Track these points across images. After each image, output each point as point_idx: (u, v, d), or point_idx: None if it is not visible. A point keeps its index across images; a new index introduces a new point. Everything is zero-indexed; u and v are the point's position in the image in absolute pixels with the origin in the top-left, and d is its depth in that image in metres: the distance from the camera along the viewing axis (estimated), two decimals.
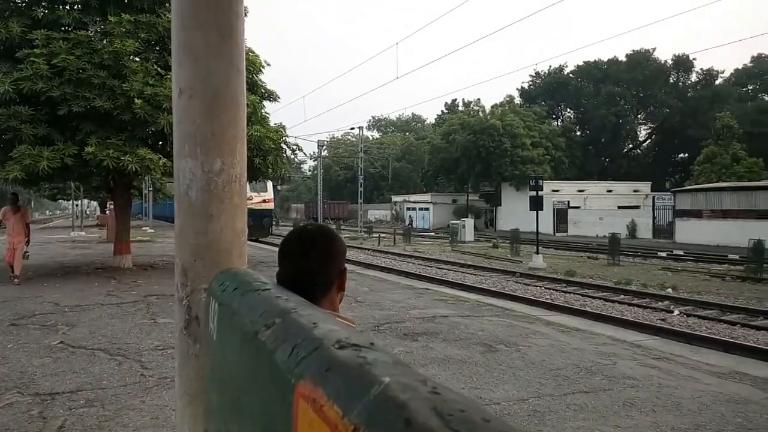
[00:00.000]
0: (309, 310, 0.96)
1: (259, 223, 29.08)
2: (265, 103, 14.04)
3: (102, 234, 28.04)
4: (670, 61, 55.84)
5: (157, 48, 11.95)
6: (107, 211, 36.86)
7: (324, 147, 51.39)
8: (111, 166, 10.50)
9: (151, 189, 37.23)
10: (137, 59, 11.20)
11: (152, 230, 32.93)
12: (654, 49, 56.00)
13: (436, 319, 7.65)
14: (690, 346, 6.36)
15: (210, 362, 1.51)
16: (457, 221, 35.32)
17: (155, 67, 11.14)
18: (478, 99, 65.80)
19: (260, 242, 28.26)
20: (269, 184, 30.72)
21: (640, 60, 55.16)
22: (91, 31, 11.30)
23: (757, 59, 55.99)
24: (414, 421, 0.50)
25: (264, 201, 30.17)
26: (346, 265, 1.57)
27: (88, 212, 59.44)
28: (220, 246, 1.75)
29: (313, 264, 1.47)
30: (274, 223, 36.86)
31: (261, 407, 0.91)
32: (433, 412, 0.51)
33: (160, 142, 11.90)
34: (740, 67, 56.95)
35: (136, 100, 10.43)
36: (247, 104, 11.96)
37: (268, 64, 13.72)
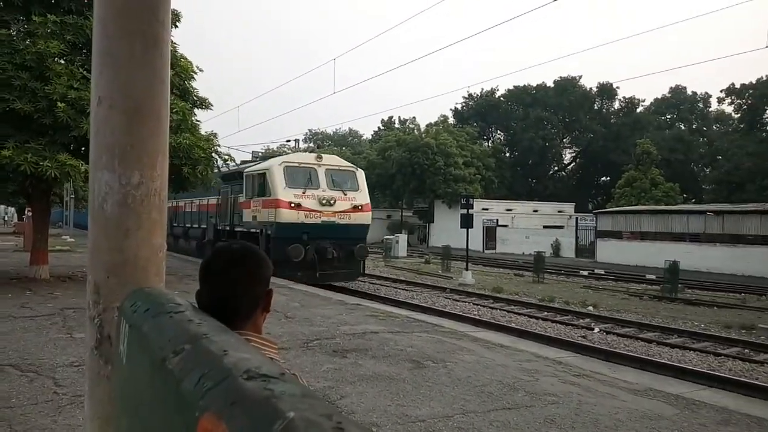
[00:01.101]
0: (222, 335, 0.93)
1: (348, 250, 15.78)
2: (198, 111, 13.70)
3: (19, 242, 26.48)
4: (595, 89, 58.67)
5: (84, 51, 11.47)
6: (25, 219, 34.82)
7: (258, 158, 50.61)
8: (29, 171, 9.95)
9: (72, 196, 35.50)
10: (62, 61, 10.72)
11: (72, 239, 31.31)
12: (580, 77, 58.71)
13: (366, 336, 7.63)
14: (609, 363, 6.61)
15: (120, 385, 1.43)
16: (391, 237, 35.50)
17: (81, 70, 10.68)
18: (414, 117, 66.77)
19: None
20: (361, 176, 17.32)
21: (567, 86, 57.69)
22: (13, 31, 10.75)
23: (675, 90, 59.73)
24: None
25: (356, 209, 16.03)
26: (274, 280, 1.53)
27: (5, 218, 55.98)
28: (137, 263, 1.68)
29: (238, 286, 1.42)
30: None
31: None
32: None
33: (83, 148, 11.38)
34: (659, 97, 60.58)
35: (59, 104, 9.96)
36: (178, 111, 11.65)
37: (201, 70, 13.43)
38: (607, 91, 57.86)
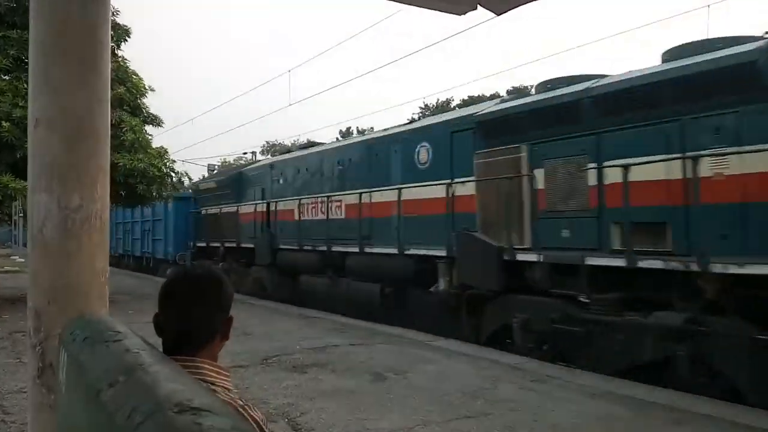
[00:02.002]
0: (158, 366, 0.91)
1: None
2: (150, 128, 13.42)
3: None
4: None
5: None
6: None
7: (215, 170, 49.93)
8: None
9: (21, 215, 34.27)
10: (5, 77, 10.40)
11: (22, 259, 30.17)
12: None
13: (327, 349, 7.58)
14: (566, 367, 6.72)
15: (61, 416, 1.39)
16: None
17: (26, 86, 10.36)
18: (372, 127, 66.91)
19: None
20: None
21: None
22: None
23: None
24: None
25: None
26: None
27: None
28: (78, 288, 1.64)
29: (198, 313, 1.38)
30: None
31: None
32: None
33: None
34: None
35: (3, 123, 9.65)
36: (130, 129, 11.42)
37: (152, 90, 13.17)
38: None
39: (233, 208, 15.36)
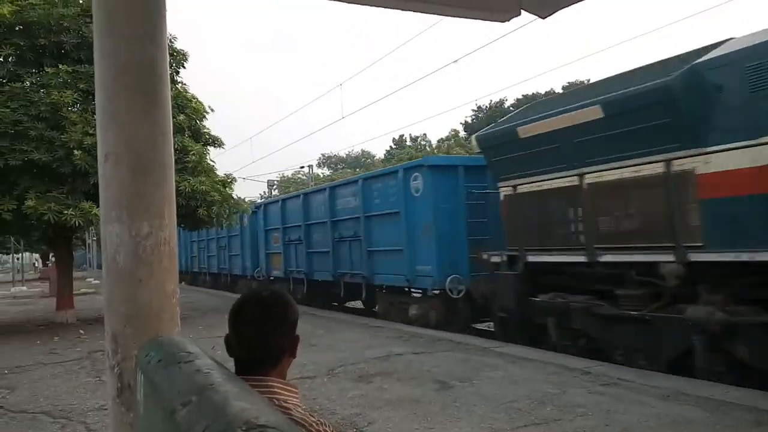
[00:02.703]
0: (227, 385, 0.97)
1: None
2: (211, 148, 13.92)
3: (45, 288, 26.90)
4: None
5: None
6: (49, 264, 35.45)
7: (275, 186, 51.13)
8: (52, 220, 10.18)
9: (95, 238, 36.06)
10: (75, 109, 11.01)
11: (97, 281, 31.75)
12: (588, 80, 58.46)
13: (390, 358, 7.62)
14: (637, 369, 6.51)
15: None
16: None
17: (95, 117, 10.94)
18: (425, 134, 66.94)
19: None
20: None
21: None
22: (27, 83, 11.07)
23: None
24: None
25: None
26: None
27: (36, 264, 56.82)
28: (150, 311, 1.73)
29: (266, 336, 1.44)
30: None
31: None
32: None
33: None
34: None
35: (76, 152, 10.21)
36: (194, 154, 11.86)
37: (212, 110, 13.66)
38: None
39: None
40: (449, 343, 8.57)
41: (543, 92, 58.56)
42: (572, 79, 58.06)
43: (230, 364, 1.45)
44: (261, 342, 1.43)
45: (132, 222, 1.73)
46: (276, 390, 1.40)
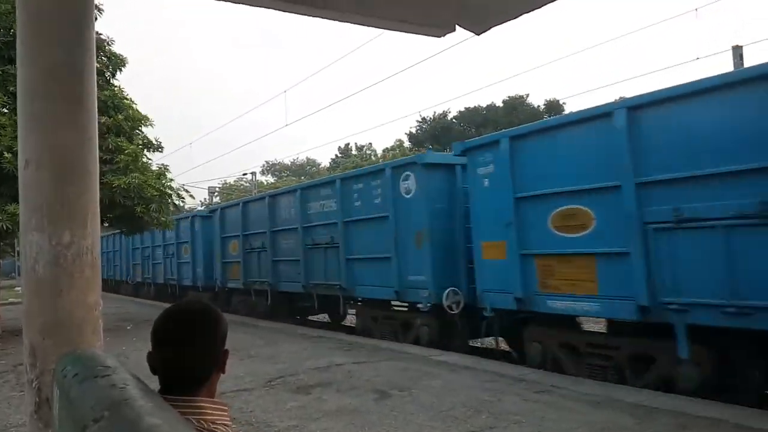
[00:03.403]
0: (142, 401, 0.95)
1: None
2: (149, 154, 13.53)
3: None
4: (543, 106, 60.27)
5: None
6: None
7: (216, 193, 50.15)
8: None
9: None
10: (5, 111, 10.53)
11: None
12: (527, 95, 60.23)
13: (331, 369, 7.57)
14: (570, 377, 6.71)
15: None
16: None
17: None
18: (370, 143, 67.22)
19: None
20: None
21: (516, 105, 59.08)
22: None
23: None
24: None
25: None
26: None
27: None
28: (71, 323, 1.67)
29: (192, 355, 1.36)
30: None
31: None
32: None
33: None
34: None
35: (6, 154, 9.76)
36: (129, 153, 11.51)
37: (152, 125, 13.24)
38: (554, 107, 59.44)
39: None
40: (390, 352, 8.60)
41: (485, 105, 60.03)
42: (512, 93, 59.71)
43: (155, 380, 1.39)
44: (187, 360, 1.36)
45: (53, 230, 1.67)
46: (206, 410, 1.34)
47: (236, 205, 16.14)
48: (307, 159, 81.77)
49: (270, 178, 78.33)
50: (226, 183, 64.94)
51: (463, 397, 5.80)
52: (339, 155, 67.68)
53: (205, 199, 51.71)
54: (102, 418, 0.90)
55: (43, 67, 1.75)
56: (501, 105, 59.72)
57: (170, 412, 0.92)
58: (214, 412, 1.36)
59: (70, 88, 1.76)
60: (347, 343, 9.74)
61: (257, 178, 52.74)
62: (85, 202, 1.74)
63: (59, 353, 1.60)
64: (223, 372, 1.44)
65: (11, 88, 10.59)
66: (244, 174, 54.09)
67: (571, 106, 60.00)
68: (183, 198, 14.05)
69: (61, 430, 1.23)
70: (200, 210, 20.62)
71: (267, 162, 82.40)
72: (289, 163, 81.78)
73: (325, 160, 76.31)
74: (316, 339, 10.34)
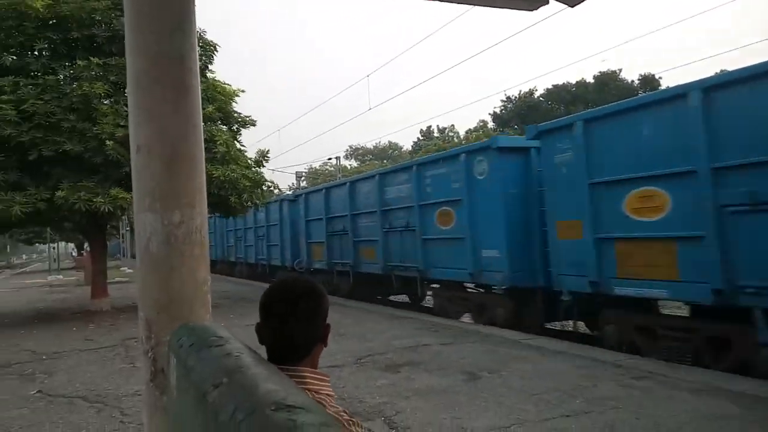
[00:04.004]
0: (257, 368, 0.99)
1: None
2: (242, 131, 14.13)
3: (80, 277, 27.59)
4: (637, 81, 57.21)
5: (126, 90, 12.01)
6: (84, 253, 36.38)
7: (302, 178, 51.46)
8: (83, 208, 10.43)
9: (128, 228, 36.82)
10: (107, 102, 11.23)
11: (131, 270, 32.44)
12: (620, 70, 57.36)
13: (418, 349, 7.63)
14: (670, 363, 6.42)
15: (173, 417, 1.52)
16: None
17: (126, 109, 11.17)
18: (452, 125, 66.59)
19: None
20: None
21: (608, 81, 56.40)
22: (60, 76, 11.33)
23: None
24: None
25: None
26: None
27: (72, 253, 58.36)
28: (182, 298, 1.77)
29: (296, 327, 1.43)
30: None
31: None
32: None
33: None
34: None
35: (108, 142, 10.43)
36: (221, 143, 12.02)
37: (242, 91, 13.81)
38: (649, 82, 56.32)
39: None
40: (477, 334, 8.55)
41: (574, 82, 57.75)
42: (604, 69, 57.06)
43: (262, 350, 1.46)
44: (292, 332, 1.43)
45: (164, 211, 1.77)
46: (309, 380, 1.40)
47: (319, 190, 16.70)
48: (389, 142, 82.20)
49: (353, 162, 79.47)
50: (311, 167, 66.52)
51: (556, 382, 5.68)
52: (421, 138, 67.54)
53: (292, 183, 53.26)
54: (221, 384, 0.95)
55: (149, 56, 1.85)
56: (591, 81, 57.21)
57: (284, 379, 0.96)
58: (316, 382, 1.42)
59: (174, 76, 1.84)
60: (432, 324, 9.77)
61: (341, 163, 53.67)
62: (193, 185, 1.83)
63: (172, 326, 1.70)
64: (326, 345, 1.52)
65: (112, 78, 11.30)
66: (329, 159, 55.25)
67: (668, 81, 56.66)
68: (272, 189, 14.75)
69: (180, 396, 1.32)
70: (287, 194, 21.25)
71: (350, 146, 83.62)
72: (372, 147, 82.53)
73: (407, 143, 76.46)
74: (402, 319, 10.44)
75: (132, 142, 1.84)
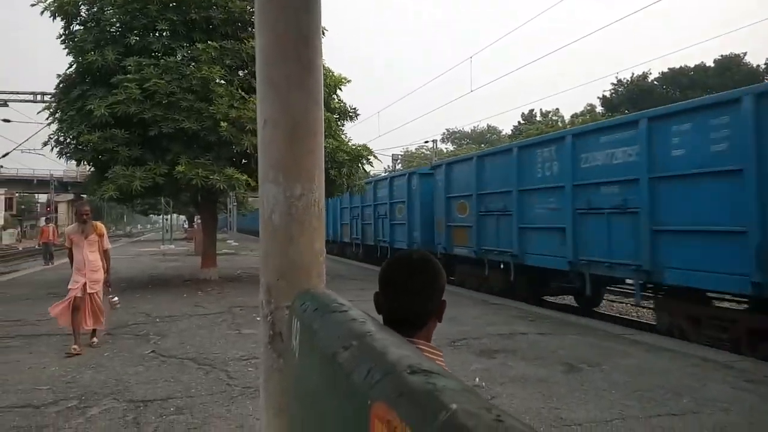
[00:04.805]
0: (383, 334, 1.02)
1: None
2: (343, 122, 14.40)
3: (190, 247, 29.41)
4: (763, 66, 52.45)
5: (240, 73, 12.55)
6: (195, 225, 38.71)
7: (398, 161, 51.80)
8: (200, 184, 11.09)
9: (234, 204, 38.72)
10: (222, 83, 11.81)
11: (236, 243, 34.21)
12: (745, 54, 52.81)
13: (514, 337, 7.53)
14: None
15: (293, 378, 1.59)
16: None
17: (239, 91, 11.70)
18: (557, 109, 64.38)
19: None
20: None
21: (730, 65, 52.05)
22: (179, 57, 12.04)
23: None
24: None
25: None
26: None
27: (184, 225, 62.34)
28: (301, 266, 1.85)
29: (416, 299, 1.48)
30: None
31: (339, 424, 0.97)
32: None
33: (244, 161, 12.47)
34: None
35: (222, 123, 10.99)
36: (324, 120, 12.35)
37: (349, 81, 14.02)
38: None
39: None
40: (577, 326, 8.30)
41: (692, 66, 53.91)
42: (726, 52, 52.79)
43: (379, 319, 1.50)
44: (409, 304, 1.47)
45: (287, 184, 1.85)
46: (423, 351, 1.43)
47: (467, 159, 13.73)
48: (488, 126, 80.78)
49: (450, 146, 78.86)
50: (408, 150, 66.72)
51: (661, 379, 5.42)
52: (522, 122, 65.82)
53: (388, 166, 53.73)
54: (351, 347, 0.99)
55: (277, 33, 1.92)
56: (712, 65, 53.11)
57: (410, 346, 0.98)
58: (429, 354, 1.44)
59: (299, 52, 1.91)
60: (529, 312, 9.59)
61: (438, 146, 53.45)
62: (313, 160, 1.89)
63: (291, 293, 1.79)
64: (440, 321, 1.55)
65: (227, 61, 11.86)
66: (426, 142, 55.17)
67: None
68: (371, 162, 14.62)
69: (302, 359, 1.38)
70: (422, 168, 18.38)
71: (447, 130, 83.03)
72: (469, 131, 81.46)
73: (507, 127, 74.82)
74: (497, 306, 10.33)
75: (259, 116, 1.92)
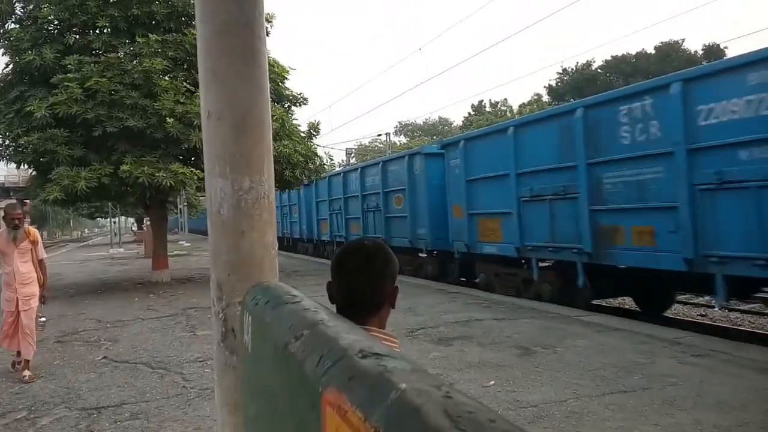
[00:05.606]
0: (335, 321, 1.01)
1: None
2: (294, 108, 14.31)
3: (140, 250, 28.68)
4: (700, 52, 54.54)
5: (185, 66, 12.26)
6: (144, 228, 37.77)
7: (352, 155, 51.71)
8: (146, 182, 10.81)
9: (185, 204, 37.96)
10: (167, 78, 11.51)
11: (188, 244, 33.53)
12: (683, 40, 54.81)
13: (470, 323, 7.64)
14: (733, 342, 6.22)
15: (246, 373, 1.57)
16: None
17: (185, 84, 11.43)
18: (505, 99, 65.39)
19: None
20: None
21: (670, 52, 53.98)
22: (121, 53, 11.68)
23: None
24: (427, 424, 0.55)
25: None
26: None
27: (133, 229, 60.76)
28: (252, 261, 1.82)
29: (368, 283, 1.50)
30: None
31: (292, 415, 0.96)
32: (444, 414, 0.55)
33: (193, 158, 12.22)
34: None
35: (168, 119, 10.72)
36: (276, 118, 12.17)
37: (293, 69, 13.91)
38: (714, 53, 53.60)
39: None
40: (531, 310, 8.48)
41: (633, 53, 55.60)
42: (665, 39, 54.65)
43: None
44: (362, 289, 1.49)
45: (234, 177, 1.81)
46: (378, 338, 1.44)
47: (499, 131, 10.72)
48: (440, 118, 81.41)
49: (403, 139, 79.15)
50: (361, 144, 66.69)
51: (613, 358, 5.60)
52: (472, 113, 66.60)
53: (342, 160, 53.60)
54: (303, 336, 0.97)
55: (218, 23, 1.88)
56: (653, 52, 54.86)
57: (362, 331, 0.98)
58: (385, 341, 1.45)
59: (243, 43, 1.87)
60: (484, 299, 9.74)
61: (390, 139, 53.61)
62: (261, 151, 1.86)
63: (242, 288, 1.76)
64: (393, 307, 1.57)
65: (170, 54, 11.56)
66: (379, 135, 55.24)
67: (734, 51, 53.87)
68: (324, 163, 14.79)
69: (255, 352, 1.36)
70: (427, 146, 14.94)
71: (400, 122, 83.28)
72: (422, 123, 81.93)
73: (457, 118, 75.56)
74: (453, 294, 10.45)
75: (203, 108, 1.88)
